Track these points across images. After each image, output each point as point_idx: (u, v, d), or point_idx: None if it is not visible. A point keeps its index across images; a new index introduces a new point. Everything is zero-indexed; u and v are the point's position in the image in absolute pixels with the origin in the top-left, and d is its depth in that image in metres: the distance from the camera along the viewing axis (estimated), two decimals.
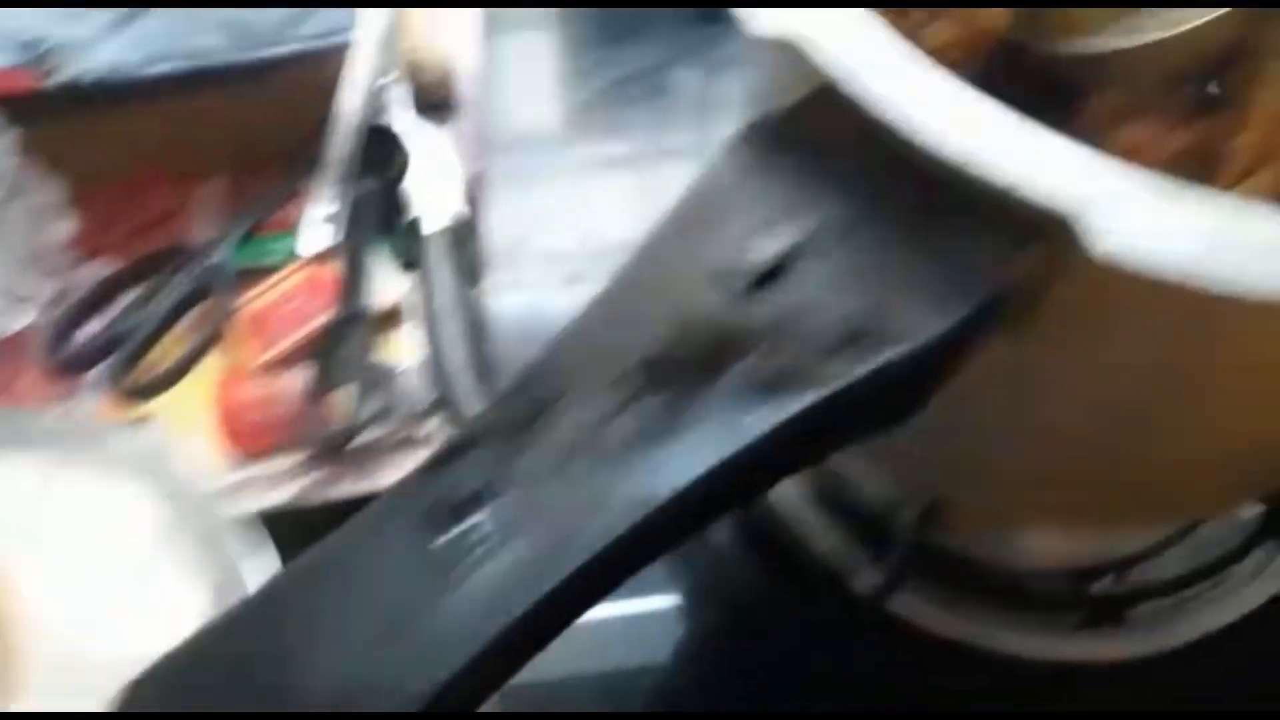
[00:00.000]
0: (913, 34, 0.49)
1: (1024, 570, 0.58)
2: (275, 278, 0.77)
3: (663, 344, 0.31)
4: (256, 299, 0.76)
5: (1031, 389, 0.38)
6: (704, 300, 0.33)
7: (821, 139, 0.34)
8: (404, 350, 0.76)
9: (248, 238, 0.79)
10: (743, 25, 0.33)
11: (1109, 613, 0.59)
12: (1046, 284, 0.32)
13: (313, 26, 0.72)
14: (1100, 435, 0.39)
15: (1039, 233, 0.31)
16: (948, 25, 0.49)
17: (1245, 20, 0.48)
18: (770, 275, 0.33)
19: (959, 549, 0.59)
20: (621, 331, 0.32)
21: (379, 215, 0.79)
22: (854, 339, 0.32)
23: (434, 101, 0.84)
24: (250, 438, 0.70)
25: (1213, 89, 0.50)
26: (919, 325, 0.31)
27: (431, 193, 0.81)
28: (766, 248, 0.33)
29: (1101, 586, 0.59)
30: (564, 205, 0.81)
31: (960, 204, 0.32)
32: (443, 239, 0.77)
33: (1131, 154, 0.47)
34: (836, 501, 0.61)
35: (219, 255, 0.77)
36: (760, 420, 0.30)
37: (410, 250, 0.79)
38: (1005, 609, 0.59)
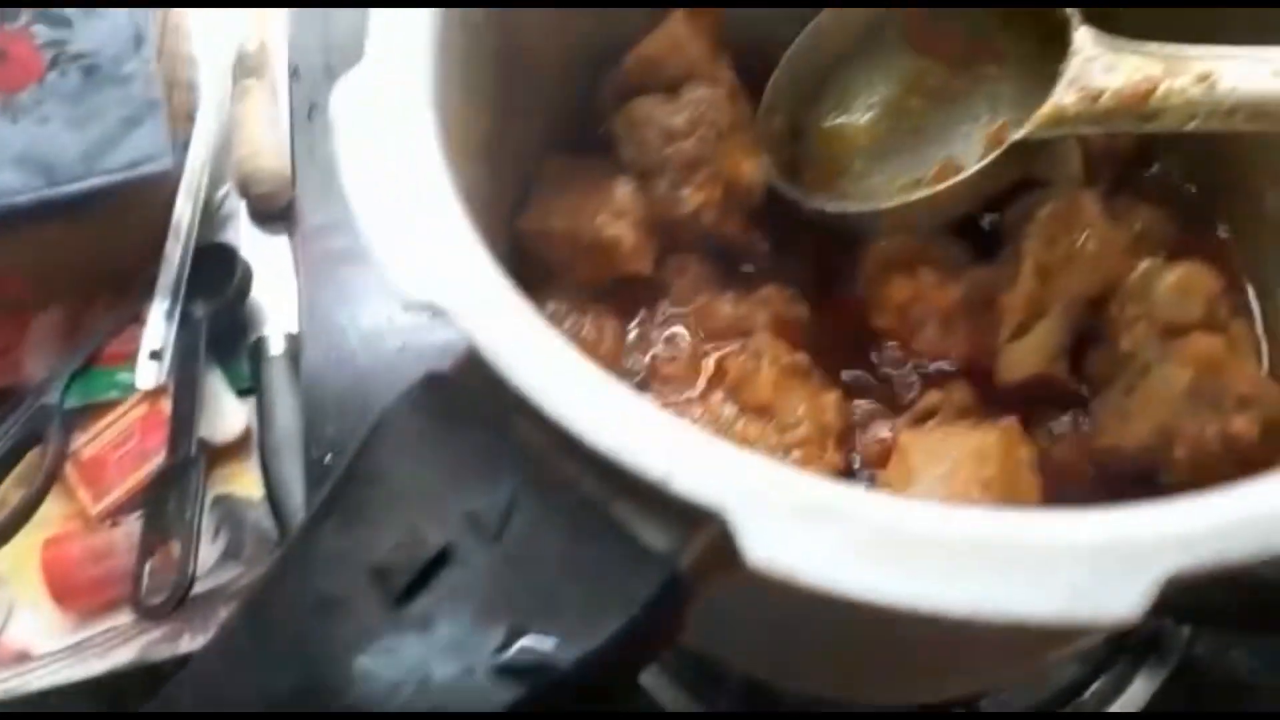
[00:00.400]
0: (670, 198, 0.46)
1: (869, 711, 0.55)
2: (112, 415, 0.73)
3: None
4: (91, 441, 0.72)
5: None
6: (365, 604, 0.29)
7: (490, 403, 0.31)
8: (250, 484, 0.73)
9: (85, 372, 0.75)
10: (393, 288, 0.30)
11: None
12: (726, 563, 0.28)
13: (119, 157, 0.68)
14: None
15: (703, 521, 0.28)
16: (704, 187, 0.46)
17: (1017, 163, 0.45)
18: (434, 567, 0.29)
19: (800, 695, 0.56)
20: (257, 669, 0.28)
21: (221, 338, 0.76)
22: (516, 640, 0.28)
23: (271, 213, 0.80)
24: (82, 596, 0.67)
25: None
26: (580, 631, 0.28)
27: (275, 310, 0.77)
28: (430, 539, 0.29)
29: None
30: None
31: (624, 490, 0.29)
32: (281, 363, 0.74)
33: (911, 304, 0.45)
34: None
35: (52, 394, 0.73)
36: None
37: (256, 373, 0.75)
38: None
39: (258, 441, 0.72)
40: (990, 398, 0.47)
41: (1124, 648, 0.58)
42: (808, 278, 0.51)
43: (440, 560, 0.29)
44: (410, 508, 0.30)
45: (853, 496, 0.27)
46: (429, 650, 0.28)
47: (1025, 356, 0.45)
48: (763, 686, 0.55)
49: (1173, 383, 0.43)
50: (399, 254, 0.30)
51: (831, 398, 0.47)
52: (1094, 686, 0.57)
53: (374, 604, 0.29)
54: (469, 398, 0.31)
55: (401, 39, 0.35)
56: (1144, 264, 0.47)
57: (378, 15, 0.35)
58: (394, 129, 0.33)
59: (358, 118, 0.33)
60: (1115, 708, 0.56)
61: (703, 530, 0.28)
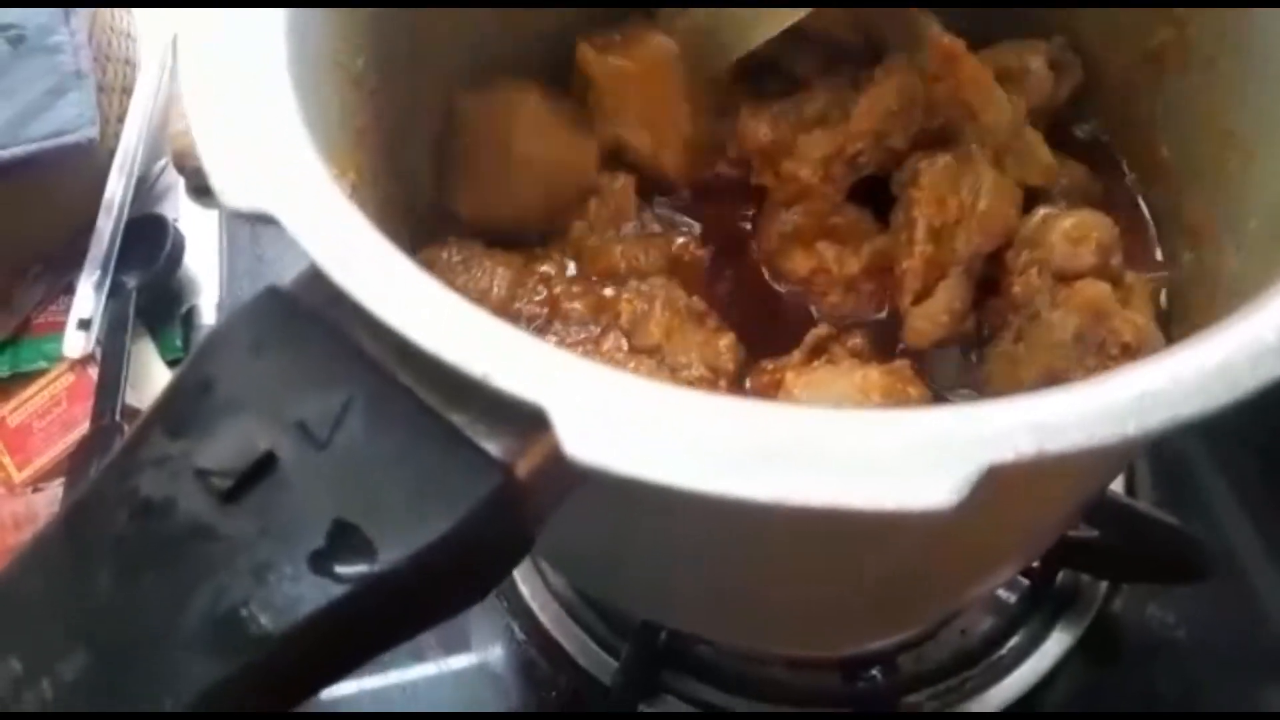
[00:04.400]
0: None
1: (784, 664, 0.55)
2: (39, 384, 0.73)
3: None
4: (18, 409, 0.72)
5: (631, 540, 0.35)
6: (189, 504, 0.29)
7: (330, 316, 0.30)
8: None
9: (14, 342, 0.75)
10: (219, 198, 0.30)
11: (879, 705, 0.56)
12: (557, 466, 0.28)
13: (43, 126, 0.68)
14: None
15: (536, 428, 0.27)
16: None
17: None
18: (261, 469, 0.29)
19: (714, 652, 0.55)
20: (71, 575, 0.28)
21: (154, 307, 0.76)
22: (339, 541, 0.28)
23: (207, 186, 0.80)
24: (4, 561, 0.66)
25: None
26: (407, 532, 0.28)
27: (208, 281, 0.77)
28: (257, 440, 0.29)
29: (869, 679, 0.56)
30: None
31: (461, 395, 0.28)
32: None
33: (813, 276, 0.45)
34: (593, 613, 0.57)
35: None
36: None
37: (187, 343, 0.75)
38: (771, 705, 0.56)
39: None
40: (892, 347, 0.47)
41: (1040, 601, 0.57)
42: (717, 227, 0.51)
43: (266, 464, 0.28)
44: (240, 415, 0.29)
45: (674, 394, 0.27)
46: (251, 553, 0.28)
47: (930, 321, 0.46)
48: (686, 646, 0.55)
49: (1060, 328, 0.43)
50: (230, 164, 0.30)
51: (725, 340, 0.47)
52: (1012, 641, 0.56)
53: (201, 504, 0.28)
54: (310, 309, 0.30)
55: None
56: (1040, 211, 0.47)
57: None
58: (244, 50, 0.33)
59: (205, 33, 0.33)
60: (1032, 661, 0.55)
61: (539, 436, 0.28)
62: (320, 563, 0.28)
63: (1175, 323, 0.47)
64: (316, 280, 0.30)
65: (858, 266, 0.47)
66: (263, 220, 0.30)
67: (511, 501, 0.29)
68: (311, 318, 0.31)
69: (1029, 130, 0.48)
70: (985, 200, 0.44)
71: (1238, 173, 0.44)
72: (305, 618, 0.27)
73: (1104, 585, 0.58)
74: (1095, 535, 0.54)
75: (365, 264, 0.29)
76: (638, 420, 0.26)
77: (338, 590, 0.28)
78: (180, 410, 0.30)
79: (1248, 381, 0.27)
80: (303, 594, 0.28)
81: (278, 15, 0.35)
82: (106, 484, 0.29)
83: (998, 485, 0.26)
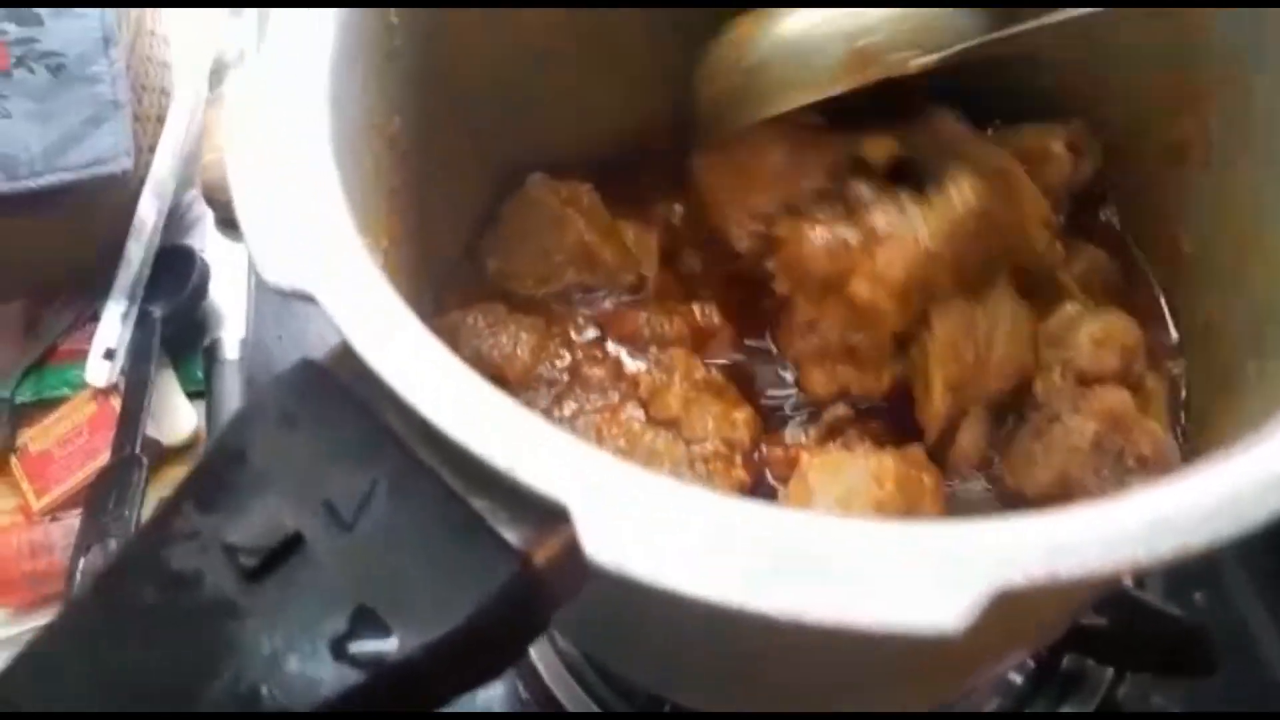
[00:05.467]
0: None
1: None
2: (62, 411, 0.74)
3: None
4: (40, 436, 0.73)
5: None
6: (216, 580, 0.29)
7: (361, 393, 0.31)
8: None
9: (39, 368, 0.76)
10: (260, 274, 0.30)
11: None
12: (577, 560, 0.29)
13: (79, 156, 0.69)
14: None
15: (556, 520, 0.28)
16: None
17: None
18: (287, 549, 0.29)
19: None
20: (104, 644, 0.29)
21: (177, 339, 0.77)
22: (360, 626, 0.28)
23: (235, 219, 0.81)
24: (18, 591, 0.67)
25: None
26: (426, 619, 0.28)
27: (232, 314, 0.78)
28: (285, 518, 0.29)
29: None
30: None
31: (484, 481, 0.29)
32: (234, 367, 0.74)
33: (836, 394, 0.45)
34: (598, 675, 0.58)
35: (3, 388, 0.74)
36: None
37: (208, 376, 0.76)
38: None
39: (206, 443, 0.72)
40: (909, 425, 0.48)
41: (1046, 683, 0.57)
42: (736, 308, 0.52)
43: (293, 544, 0.29)
44: (269, 492, 0.30)
45: (692, 496, 0.27)
46: (274, 632, 0.28)
47: (957, 457, 0.46)
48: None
49: (1078, 434, 0.43)
50: (271, 241, 0.31)
51: (742, 415, 0.47)
52: None
53: (227, 580, 0.29)
54: (341, 385, 0.31)
55: (304, 32, 0.36)
56: (1068, 309, 0.47)
57: (281, 10, 0.36)
58: (286, 120, 0.34)
59: (251, 106, 0.34)
60: None
61: (558, 527, 0.29)
62: (340, 647, 0.28)
63: (1192, 418, 0.47)
64: (349, 356, 0.31)
65: (879, 392, 0.47)
66: (302, 298, 0.31)
67: (528, 589, 0.30)
68: (343, 393, 0.32)
69: None
70: (1000, 348, 0.44)
71: (1258, 276, 0.44)
72: (323, 701, 0.28)
73: (1110, 670, 0.58)
74: (1103, 623, 0.54)
75: (398, 346, 0.30)
76: (656, 523, 0.27)
77: (355, 676, 0.28)
78: (212, 483, 0.31)
79: (1256, 514, 0.27)
80: (321, 678, 0.28)
81: (322, 82, 0.36)
82: (138, 553, 0.30)
83: (1007, 603, 0.26)
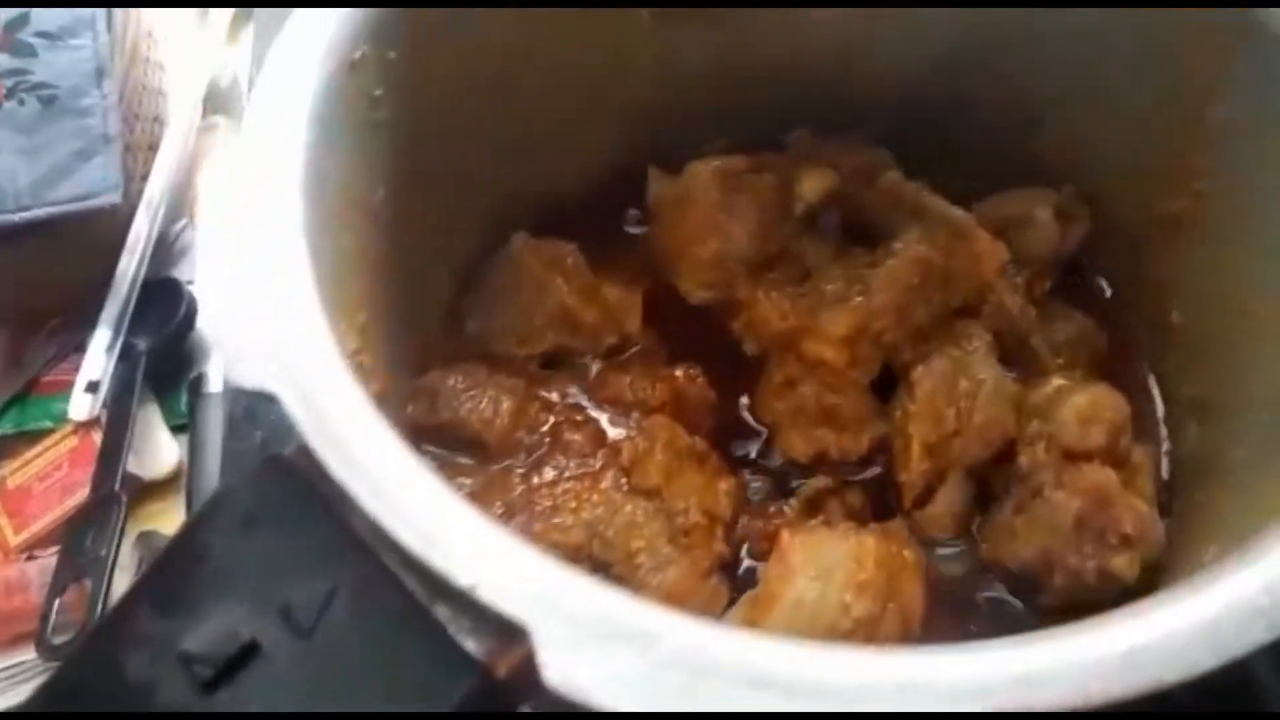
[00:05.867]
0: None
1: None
2: (43, 445, 0.73)
3: None
4: (19, 469, 0.72)
5: None
6: (169, 690, 0.29)
7: (325, 492, 0.30)
8: (176, 522, 0.73)
9: (21, 399, 0.75)
10: (227, 374, 0.30)
11: None
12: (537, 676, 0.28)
13: (68, 189, 0.68)
14: None
15: (516, 633, 0.27)
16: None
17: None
18: (244, 657, 0.29)
19: None
20: None
21: (162, 372, 0.76)
22: None
23: None
24: None
25: None
26: None
27: (217, 347, 0.77)
28: (242, 626, 0.29)
29: None
30: None
31: (446, 593, 0.28)
32: (217, 401, 0.73)
33: (818, 460, 0.45)
34: None
35: None
36: None
37: (192, 409, 0.75)
38: None
39: (186, 479, 0.71)
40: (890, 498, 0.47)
41: None
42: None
43: (249, 652, 0.28)
44: (229, 595, 0.30)
45: (654, 618, 0.27)
46: None
47: (933, 523, 0.45)
48: None
49: (1062, 511, 0.43)
50: (238, 339, 0.30)
51: (725, 485, 0.46)
52: None
53: (182, 691, 0.28)
54: (307, 483, 0.31)
55: (282, 114, 0.35)
56: (1055, 382, 0.47)
57: (260, 88, 0.35)
58: (259, 212, 0.33)
59: (226, 197, 0.33)
60: None
61: (519, 640, 0.28)
62: None
63: (1176, 496, 0.46)
64: (313, 454, 0.30)
65: (858, 454, 0.47)
66: (266, 399, 0.30)
67: (489, 699, 0.29)
68: (307, 492, 0.31)
69: None
70: (982, 413, 0.44)
71: (1249, 354, 0.44)
72: None
73: None
74: None
75: (360, 453, 0.29)
76: (617, 647, 0.26)
77: None
78: (170, 584, 0.30)
79: (1236, 646, 0.26)
80: None
81: (297, 165, 0.35)
82: (91, 658, 0.29)
83: None
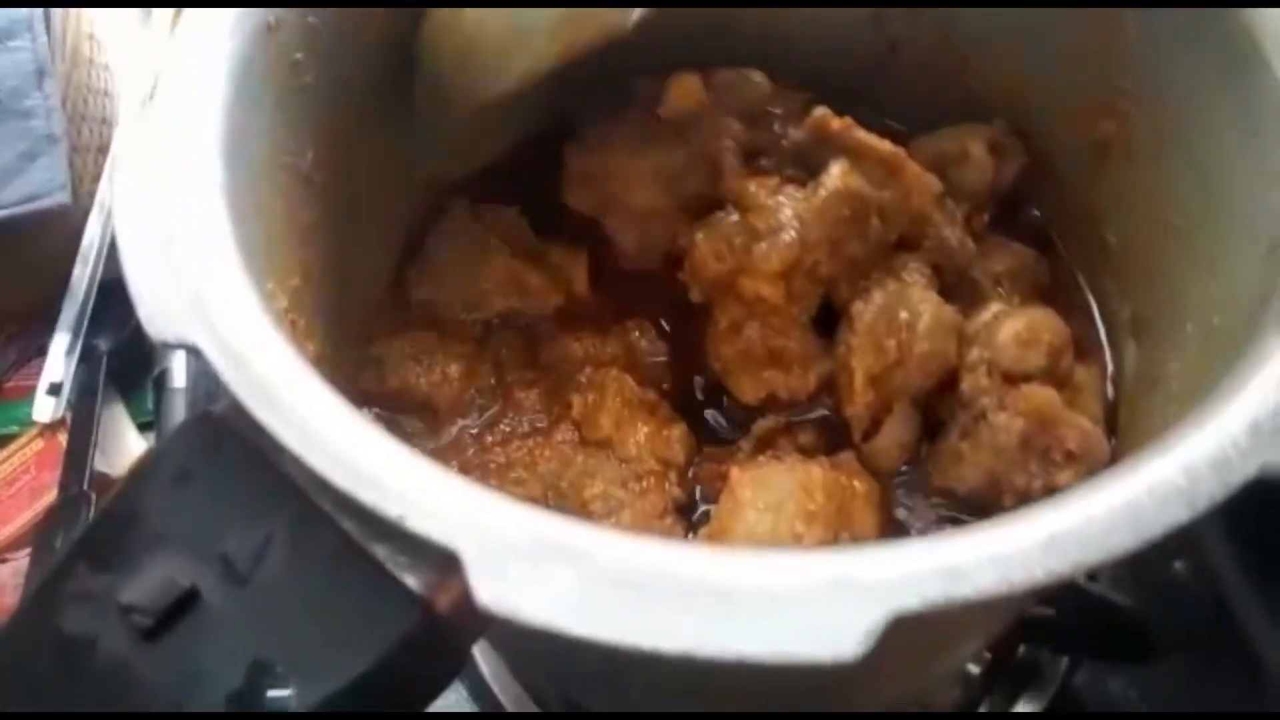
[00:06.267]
0: None
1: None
2: (8, 450, 0.73)
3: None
4: None
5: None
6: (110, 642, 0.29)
7: (258, 443, 0.30)
8: None
9: None
10: (146, 328, 0.30)
11: None
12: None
13: (15, 192, 0.68)
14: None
15: (454, 564, 0.28)
16: None
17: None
18: (182, 606, 0.29)
19: None
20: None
21: (125, 370, 0.76)
22: (258, 680, 0.28)
23: None
24: None
25: None
26: (326, 671, 0.28)
27: None
28: (180, 575, 0.29)
29: None
30: None
31: (382, 527, 0.29)
32: (182, 396, 0.73)
33: (768, 398, 0.45)
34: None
35: None
36: None
37: (158, 405, 0.75)
38: None
39: None
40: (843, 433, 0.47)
41: (1003, 674, 0.57)
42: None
43: (188, 601, 0.29)
44: (165, 549, 0.30)
45: (586, 535, 0.27)
46: (170, 693, 0.28)
47: (882, 455, 0.46)
48: None
49: (1005, 432, 0.43)
50: (155, 292, 0.30)
51: (675, 431, 0.47)
52: (976, 713, 0.56)
53: (122, 642, 0.29)
54: (238, 437, 0.31)
55: (197, 74, 0.35)
56: (992, 307, 0.47)
57: (175, 49, 0.35)
58: (175, 167, 0.33)
59: (139, 153, 0.33)
60: None
61: (457, 571, 0.28)
62: (239, 703, 0.28)
63: (1121, 415, 0.47)
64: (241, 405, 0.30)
65: (805, 392, 0.47)
66: (188, 351, 0.30)
67: (433, 634, 0.29)
68: (238, 444, 0.31)
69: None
70: (923, 343, 0.44)
71: (1179, 270, 0.44)
72: None
73: (1065, 659, 0.58)
74: (1050, 613, 0.54)
75: (285, 398, 0.29)
76: (549, 565, 0.26)
77: None
78: (106, 542, 0.30)
79: (1153, 527, 0.27)
80: None
81: (215, 124, 0.36)
82: (30, 618, 0.30)
83: (909, 627, 0.26)
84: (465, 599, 0.29)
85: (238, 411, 0.31)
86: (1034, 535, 0.27)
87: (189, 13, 0.37)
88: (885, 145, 0.46)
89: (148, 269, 0.31)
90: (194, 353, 0.30)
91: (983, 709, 0.57)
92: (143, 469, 0.31)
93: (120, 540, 0.30)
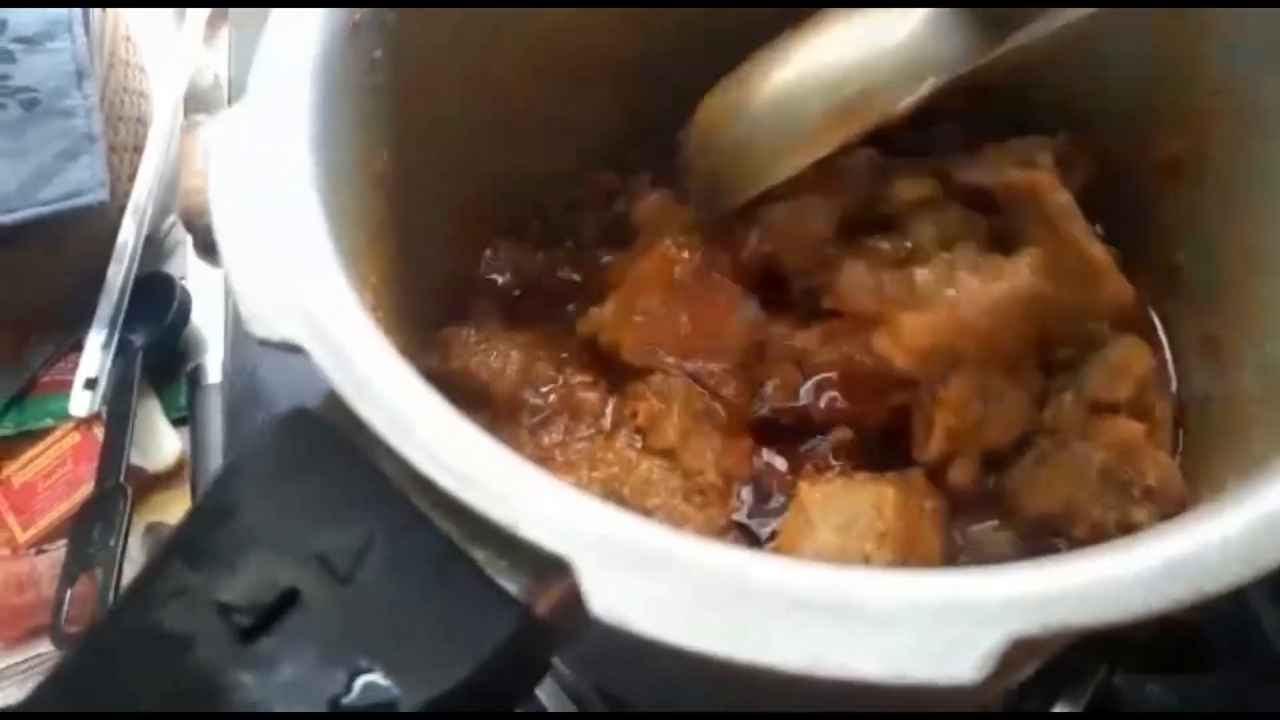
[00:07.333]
0: None
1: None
2: (45, 443, 0.73)
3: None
4: (23, 468, 0.72)
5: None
6: (208, 642, 0.28)
7: (355, 440, 0.30)
8: (182, 512, 0.72)
9: (20, 400, 0.75)
10: (248, 328, 0.30)
11: None
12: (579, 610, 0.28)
13: (55, 189, 0.68)
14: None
15: (556, 570, 0.27)
16: None
17: None
18: (283, 605, 0.29)
19: None
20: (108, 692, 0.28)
21: (159, 366, 0.76)
22: (360, 683, 0.28)
23: (214, 245, 0.80)
24: (4, 625, 0.67)
25: None
26: (428, 675, 0.28)
27: (213, 340, 0.77)
28: (279, 574, 0.29)
29: None
30: None
31: (482, 530, 0.28)
32: (216, 392, 0.73)
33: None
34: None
35: None
36: None
37: (191, 402, 0.75)
38: None
39: (190, 470, 0.71)
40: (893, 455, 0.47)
41: (1042, 676, 0.57)
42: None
43: (288, 600, 0.28)
44: (263, 545, 0.29)
45: (695, 548, 0.27)
46: (270, 695, 0.27)
47: (950, 482, 0.45)
48: None
49: (1086, 462, 0.43)
50: (258, 293, 0.30)
51: (741, 445, 0.46)
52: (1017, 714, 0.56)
53: (220, 642, 0.28)
54: (335, 434, 0.30)
55: (286, 75, 0.35)
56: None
57: (264, 50, 0.35)
58: (269, 167, 0.33)
59: (234, 154, 0.33)
60: None
61: (558, 577, 0.28)
62: (340, 707, 0.27)
63: (1189, 437, 0.46)
64: (340, 403, 0.30)
65: (879, 419, 0.46)
66: (291, 350, 0.30)
67: (530, 639, 0.29)
68: (336, 441, 0.31)
69: None
70: (1011, 411, 0.44)
71: (1255, 290, 0.44)
72: None
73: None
74: None
75: (390, 398, 0.29)
76: (659, 575, 0.26)
77: None
78: (201, 538, 0.30)
79: (1269, 557, 0.27)
80: None
81: (303, 124, 0.35)
82: (126, 615, 0.29)
83: (1022, 648, 0.26)
84: (562, 605, 0.29)
85: (336, 408, 0.30)
86: (1150, 563, 0.27)
87: (276, 12, 0.36)
88: (1096, 249, 0.44)
89: (249, 269, 0.31)
90: (296, 351, 0.29)
91: (1024, 709, 0.56)
92: (234, 467, 0.30)
93: (216, 536, 0.30)
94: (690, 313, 0.46)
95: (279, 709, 0.27)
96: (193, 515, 0.30)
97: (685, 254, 0.46)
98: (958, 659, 0.25)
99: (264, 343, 0.30)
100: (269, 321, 0.30)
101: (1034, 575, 0.27)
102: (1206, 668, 0.55)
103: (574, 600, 0.27)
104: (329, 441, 0.31)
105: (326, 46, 0.38)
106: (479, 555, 0.29)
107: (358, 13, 0.39)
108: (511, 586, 0.28)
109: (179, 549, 0.30)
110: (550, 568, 0.28)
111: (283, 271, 0.31)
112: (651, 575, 0.26)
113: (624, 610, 0.26)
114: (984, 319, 0.42)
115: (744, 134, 0.45)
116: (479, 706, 0.29)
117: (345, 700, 0.28)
